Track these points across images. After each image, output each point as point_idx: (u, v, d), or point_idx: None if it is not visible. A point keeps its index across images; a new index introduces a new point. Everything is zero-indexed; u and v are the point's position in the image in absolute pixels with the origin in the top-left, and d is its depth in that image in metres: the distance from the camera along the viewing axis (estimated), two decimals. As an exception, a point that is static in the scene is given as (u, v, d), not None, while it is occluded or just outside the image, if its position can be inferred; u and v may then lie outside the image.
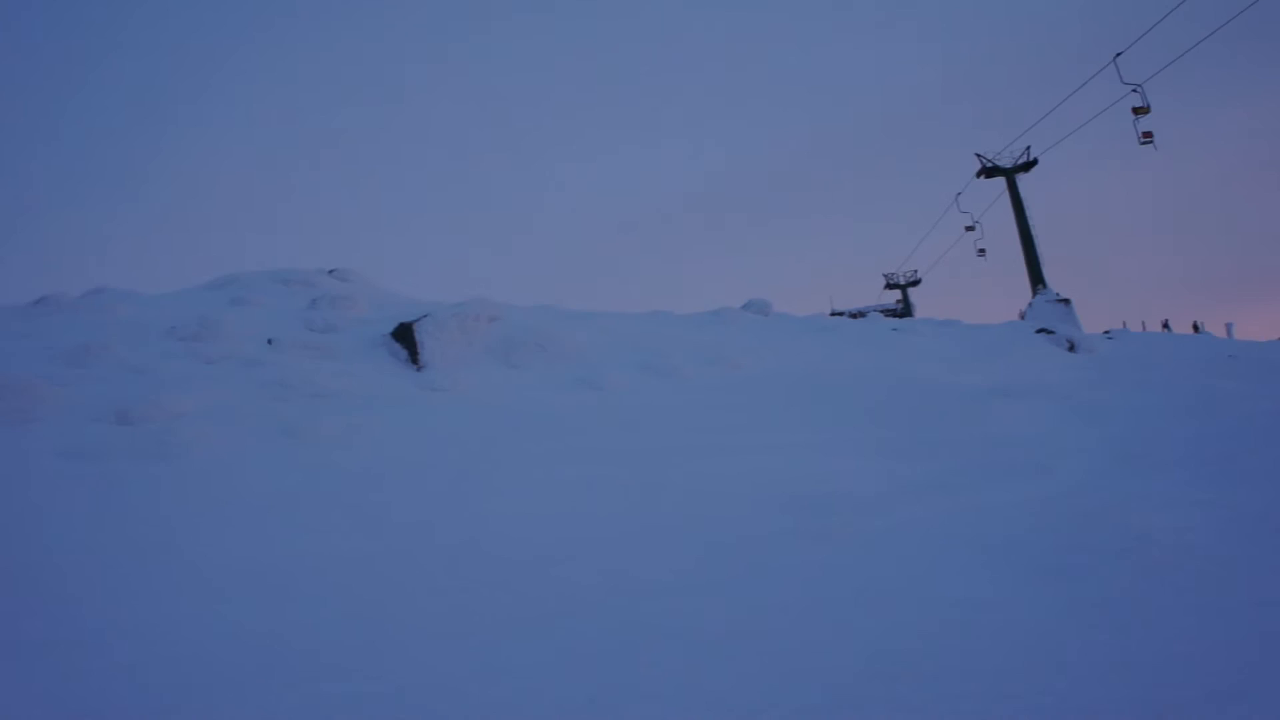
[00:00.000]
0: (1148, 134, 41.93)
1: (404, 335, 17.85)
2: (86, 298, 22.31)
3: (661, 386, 17.05)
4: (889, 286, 70.01)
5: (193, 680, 5.45)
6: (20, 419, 12.92)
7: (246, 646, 6.00)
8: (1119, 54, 41.26)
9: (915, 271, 69.48)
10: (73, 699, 5.23)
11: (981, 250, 55.79)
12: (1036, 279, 48.23)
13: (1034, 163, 50.55)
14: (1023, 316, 44.83)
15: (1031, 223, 49.55)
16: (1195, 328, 42.33)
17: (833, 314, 48.42)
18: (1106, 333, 31.15)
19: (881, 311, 52.06)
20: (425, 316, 18.14)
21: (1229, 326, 38.53)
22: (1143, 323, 44.28)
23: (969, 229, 54.85)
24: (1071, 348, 24.03)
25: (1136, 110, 41.68)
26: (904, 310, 63.02)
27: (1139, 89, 41.33)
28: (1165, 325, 44.74)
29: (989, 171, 51.52)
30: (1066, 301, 44.59)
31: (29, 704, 5.21)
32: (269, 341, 17.67)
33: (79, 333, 17.67)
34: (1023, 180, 50.66)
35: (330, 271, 25.69)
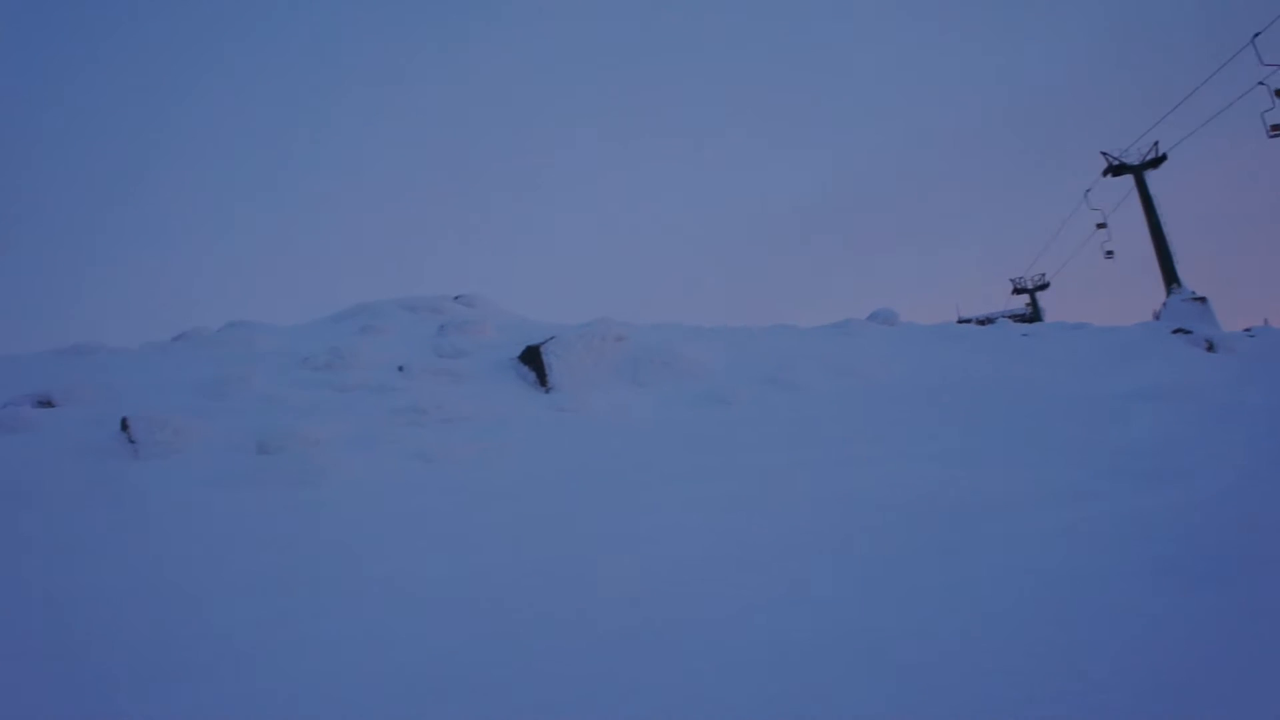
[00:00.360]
0: (1277, 127, 40.47)
1: (532, 358, 18.02)
2: (224, 331, 23.00)
3: (789, 400, 16.94)
4: (1016, 291, 68.67)
5: (371, 705, 5.53)
6: (167, 451, 13.34)
7: (412, 667, 6.07)
8: (1257, 34, 39.95)
9: (1043, 275, 68.05)
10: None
11: (1109, 253, 54.42)
12: (1170, 278, 46.82)
13: (1163, 158, 49.16)
14: (1157, 317, 43.53)
15: (1162, 219, 48.20)
16: (1344, 321, 40.75)
17: (960, 321, 47.63)
18: (1247, 330, 30.10)
19: (1010, 317, 51.13)
20: (552, 338, 18.30)
21: (1380, 319, 36.96)
22: (1286, 318, 42.76)
23: (1100, 226, 53.49)
24: (1210, 347, 23.25)
25: (1280, 93, 40.14)
26: (1033, 315, 61.79)
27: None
28: (1310, 320, 43.16)
29: (1116, 169, 50.25)
30: (1203, 300, 43.15)
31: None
32: (400, 368, 17.98)
33: (218, 365, 18.21)
34: (1151, 176, 49.30)
35: (456, 297, 26.08)
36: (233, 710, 5.60)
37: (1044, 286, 67.65)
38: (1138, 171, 49.37)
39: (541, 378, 17.54)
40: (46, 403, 15.94)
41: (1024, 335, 25.14)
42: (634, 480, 11.85)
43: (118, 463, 13.05)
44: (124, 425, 13.89)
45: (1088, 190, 53.90)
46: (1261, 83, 39.90)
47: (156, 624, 7.22)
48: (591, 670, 5.83)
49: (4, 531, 10.06)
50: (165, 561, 8.99)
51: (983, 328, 27.53)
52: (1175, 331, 25.66)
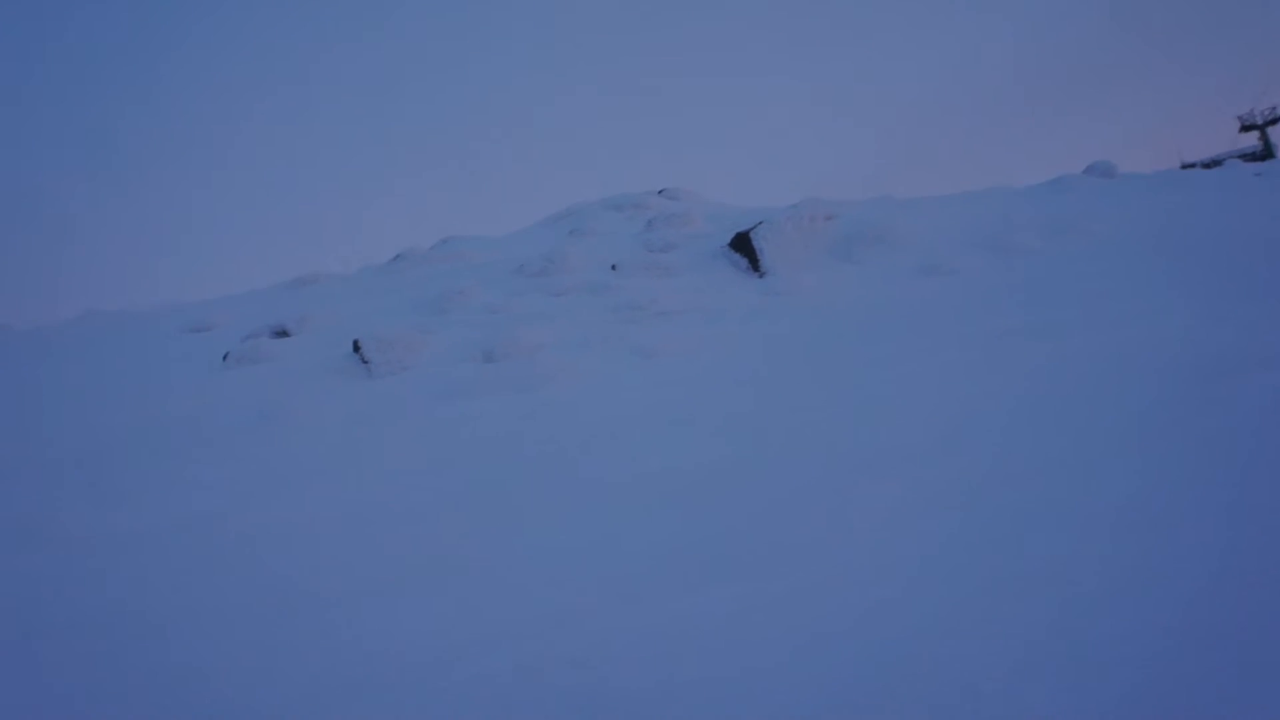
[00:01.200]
0: None
1: (742, 244, 17.85)
2: (437, 248, 23.57)
3: (1008, 264, 16.33)
4: (1244, 129, 64.45)
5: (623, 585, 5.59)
6: (399, 368, 13.77)
7: (662, 552, 6.12)
8: None
9: (1274, 109, 63.73)
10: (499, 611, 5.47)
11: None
12: None
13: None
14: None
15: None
16: None
17: (1183, 167, 45.17)
18: None
19: (1239, 157, 48.20)
20: (760, 223, 18.07)
21: None
22: None
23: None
24: None
25: None
26: (1264, 153, 58.06)
27: None
28: None
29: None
30: None
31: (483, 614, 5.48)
32: (612, 267, 18.08)
33: (437, 281, 18.66)
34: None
35: (660, 192, 26.04)
36: (516, 578, 5.82)
37: (1276, 121, 63.47)
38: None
39: (753, 263, 17.37)
40: (283, 333, 16.64)
41: (1257, 175, 23.63)
42: (857, 361, 11.65)
43: (354, 382, 13.55)
44: (356, 347, 14.38)
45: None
46: None
47: (426, 527, 7.51)
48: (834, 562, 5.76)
49: (258, 455, 10.57)
50: (413, 472, 9.30)
51: (1209, 171, 26.03)
52: None
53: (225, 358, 15.50)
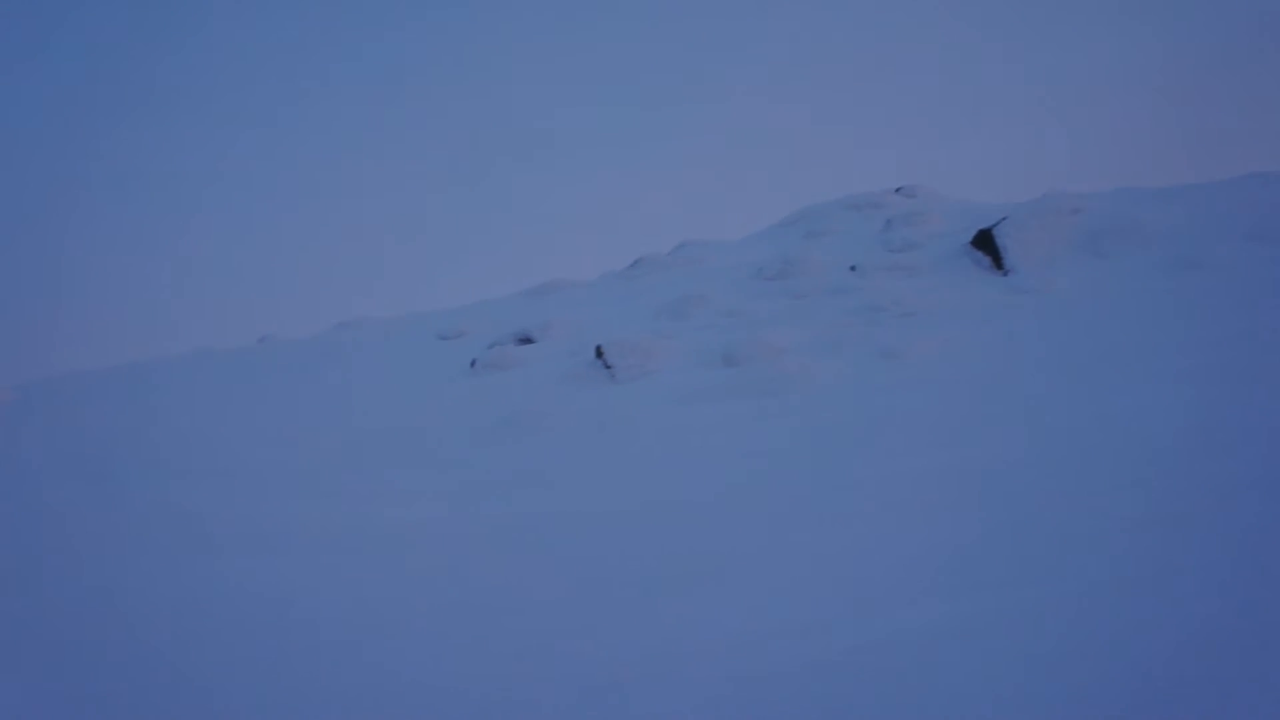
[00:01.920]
0: None
1: (984, 242, 17.46)
2: (675, 253, 23.88)
3: (1277, 257, 15.42)
4: None
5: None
6: (640, 373, 14.01)
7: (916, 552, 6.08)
8: None
9: None
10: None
11: None
12: None
13: None
14: None
15: None
16: None
17: None
18: None
19: None
20: (1003, 220, 17.64)
21: None
22: None
23: None
24: None
25: None
26: None
27: None
28: None
29: None
30: None
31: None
32: (851, 268, 17.96)
33: (676, 287, 18.88)
34: None
35: (897, 190, 25.71)
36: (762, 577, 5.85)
37: None
38: None
39: (996, 261, 16.97)
40: (527, 339, 17.14)
41: None
42: (1111, 361, 11.28)
43: (597, 388, 13.85)
44: (599, 353, 14.69)
45: None
46: None
47: (673, 532, 7.60)
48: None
49: (512, 461, 10.90)
50: (660, 479, 9.43)
51: None
52: None
53: (473, 364, 16.06)
